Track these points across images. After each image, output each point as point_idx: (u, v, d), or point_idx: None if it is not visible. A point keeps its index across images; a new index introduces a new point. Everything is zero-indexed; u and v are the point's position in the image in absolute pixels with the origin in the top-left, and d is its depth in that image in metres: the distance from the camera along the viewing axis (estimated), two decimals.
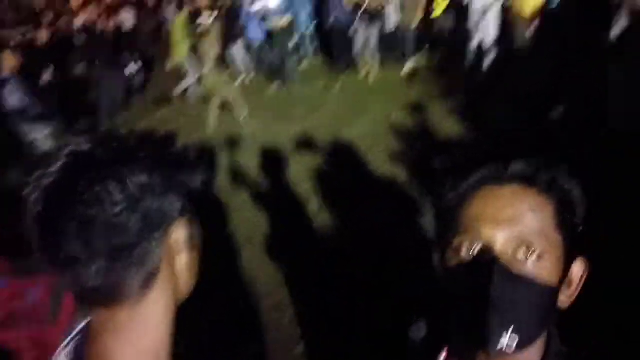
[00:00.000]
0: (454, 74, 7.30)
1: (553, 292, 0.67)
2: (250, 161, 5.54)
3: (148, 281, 0.62)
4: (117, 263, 0.59)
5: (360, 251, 3.58)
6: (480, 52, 7.16)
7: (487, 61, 7.14)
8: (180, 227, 0.65)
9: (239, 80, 9.06)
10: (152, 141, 0.66)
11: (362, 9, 7.50)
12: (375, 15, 7.58)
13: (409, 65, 8.07)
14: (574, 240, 0.69)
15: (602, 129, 4.40)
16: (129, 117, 7.99)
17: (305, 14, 8.61)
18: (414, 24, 7.64)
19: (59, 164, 0.59)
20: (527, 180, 0.69)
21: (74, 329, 0.71)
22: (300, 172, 5.05)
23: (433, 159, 4.76)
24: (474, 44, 7.17)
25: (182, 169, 0.67)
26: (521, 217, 0.66)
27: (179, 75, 8.37)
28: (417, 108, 6.20)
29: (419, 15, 7.59)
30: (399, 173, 4.67)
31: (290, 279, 3.46)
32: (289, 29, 8.19)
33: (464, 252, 0.69)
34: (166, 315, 0.65)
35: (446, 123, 5.65)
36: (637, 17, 4.27)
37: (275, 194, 4.74)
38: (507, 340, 0.64)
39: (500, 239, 0.66)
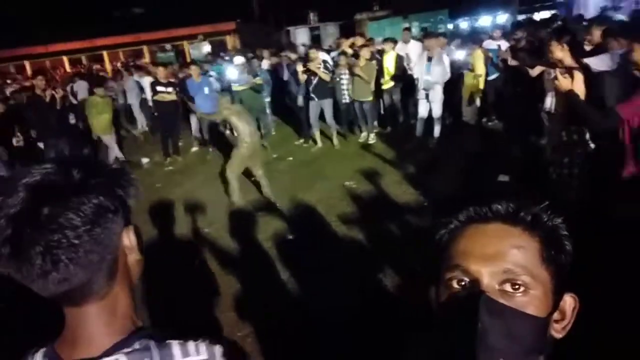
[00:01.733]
0: (405, 143, 7.64)
1: (541, 323, 0.68)
2: (208, 226, 5.47)
3: (111, 278, 0.77)
4: (86, 269, 0.70)
5: (322, 309, 3.55)
6: (429, 122, 7.53)
7: (436, 131, 7.50)
8: (129, 232, 0.79)
9: (194, 149, 9.07)
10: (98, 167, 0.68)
11: (313, 84, 7.82)
12: (325, 89, 7.90)
13: (363, 135, 8.37)
14: (561, 275, 0.70)
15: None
16: None
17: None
18: (369, 97, 8.01)
19: (20, 195, 0.65)
20: (511, 218, 0.71)
21: None
22: (261, 234, 5.05)
23: (384, 222, 4.89)
24: (422, 114, 7.53)
25: (121, 185, 0.76)
26: (506, 254, 0.68)
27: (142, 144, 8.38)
28: (370, 175, 6.41)
29: (372, 88, 7.98)
30: (354, 235, 4.75)
31: (256, 334, 3.39)
32: (257, 92, 8.49)
33: (453, 287, 0.71)
34: (129, 297, 0.81)
35: (396, 190, 5.82)
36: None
37: (237, 256, 4.69)
38: None
39: (487, 274, 0.68)
